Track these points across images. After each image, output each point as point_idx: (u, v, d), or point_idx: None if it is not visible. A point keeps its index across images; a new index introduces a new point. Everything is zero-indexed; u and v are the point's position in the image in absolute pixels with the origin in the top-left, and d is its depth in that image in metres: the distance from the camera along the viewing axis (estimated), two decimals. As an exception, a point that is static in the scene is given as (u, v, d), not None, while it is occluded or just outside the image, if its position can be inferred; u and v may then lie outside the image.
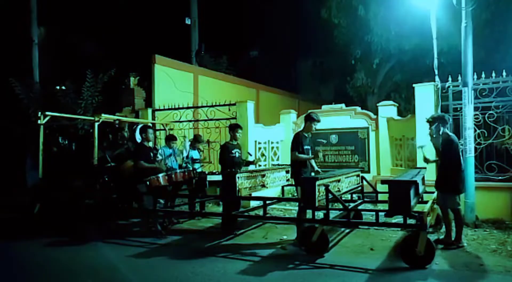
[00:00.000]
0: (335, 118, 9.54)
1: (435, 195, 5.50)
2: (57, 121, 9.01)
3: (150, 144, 6.99)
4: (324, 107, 9.91)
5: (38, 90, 12.39)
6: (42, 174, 7.76)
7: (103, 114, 7.74)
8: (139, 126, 7.93)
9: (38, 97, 11.95)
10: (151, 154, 6.69)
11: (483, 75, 6.83)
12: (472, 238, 5.68)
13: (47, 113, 7.85)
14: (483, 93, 6.84)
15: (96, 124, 7.51)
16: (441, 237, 5.45)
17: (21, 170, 11.62)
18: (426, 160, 5.50)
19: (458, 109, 6.92)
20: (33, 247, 5.89)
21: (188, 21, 15.99)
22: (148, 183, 6.34)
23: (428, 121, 5.36)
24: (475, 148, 6.61)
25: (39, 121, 7.76)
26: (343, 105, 9.83)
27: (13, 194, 10.17)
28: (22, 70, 13.27)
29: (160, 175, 6.50)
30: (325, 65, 16.33)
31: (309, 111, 6.28)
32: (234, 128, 6.78)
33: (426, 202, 5.49)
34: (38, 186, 7.75)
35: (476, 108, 6.71)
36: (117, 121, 8.52)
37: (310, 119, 5.99)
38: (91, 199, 7.26)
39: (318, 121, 6.01)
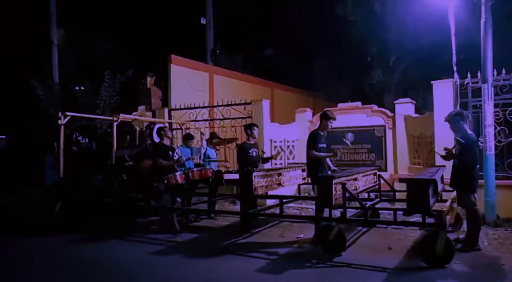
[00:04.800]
0: (351, 116, 9.47)
1: (454, 193, 5.41)
2: (76, 121, 9.19)
3: (167, 142, 7.08)
4: (340, 105, 9.84)
5: (58, 91, 12.67)
6: (63, 172, 7.93)
7: (121, 114, 7.86)
8: (156, 127, 8.04)
9: (58, 98, 12.21)
10: (170, 153, 6.79)
11: (503, 71, 6.68)
12: (493, 237, 5.58)
13: (67, 113, 8.02)
14: (504, 90, 6.69)
15: (115, 124, 7.64)
16: (461, 236, 5.37)
17: (41, 168, 11.91)
18: (449, 155, 5.12)
19: (478, 106, 6.79)
20: (55, 244, 6.04)
21: (203, 21, 16.09)
22: (165, 181, 6.44)
23: (446, 120, 5.25)
24: (496, 146, 6.48)
25: (59, 122, 7.93)
26: (359, 103, 9.75)
27: (34, 192, 10.43)
28: (43, 72, 13.59)
29: (177, 173, 6.59)
30: (340, 63, 16.23)
31: (325, 109, 6.25)
32: (250, 127, 6.82)
33: (445, 201, 5.41)
34: (59, 184, 7.93)
35: (496, 105, 6.57)
36: (140, 127, 8.65)
37: (325, 117, 5.97)
38: (111, 197, 7.39)
39: (334, 119, 5.98)
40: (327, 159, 6.11)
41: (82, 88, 11.89)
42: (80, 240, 6.21)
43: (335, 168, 6.23)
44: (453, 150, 5.12)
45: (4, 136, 16.35)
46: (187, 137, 7.85)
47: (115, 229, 6.80)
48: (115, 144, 7.53)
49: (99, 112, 10.92)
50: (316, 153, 5.78)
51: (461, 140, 4.91)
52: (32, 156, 11.95)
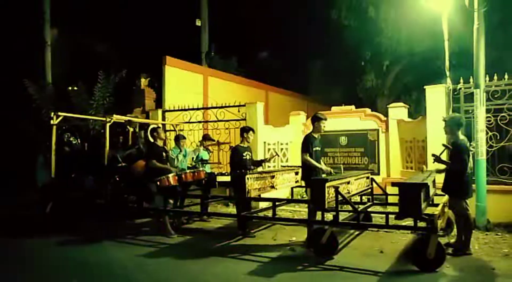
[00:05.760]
0: (344, 120, 9.52)
1: (446, 198, 5.45)
2: (69, 121, 9.12)
3: (161, 143, 7.04)
4: (333, 108, 9.89)
5: (51, 91, 12.54)
6: (55, 173, 7.85)
7: (114, 115, 7.82)
8: (150, 127, 8.00)
9: (51, 97, 12.10)
10: (163, 154, 6.75)
11: (495, 77, 6.76)
12: (484, 241, 5.62)
13: (60, 113, 7.94)
14: (495, 96, 6.76)
15: (108, 124, 7.59)
16: (452, 240, 5.41)
17: (33, 169, 11.73)
18: (438, 159, 5.21)
19: (470, 111, 6.85)
20: (45, 245, 5.98)
21: (198, 23, 16.08)
22: (158, 183, 6.40)
23: (444, 120, 5.33)
24: (487, 151, 6.54)
25: (51, 122, 7.86)
26: (353, 107, 9.80)
27: (25, 193, 10.31)
28: (35, 71, 13.46)
29: (170, 175, 6.55)
30: (334, 66, 16.31)
31: (316, 112, 6.28)
32: (247, 131, 6.75)
33: (437, 205, 5.44)
34: (50, 185, 7.85)
35: (488, 111, 6.64)
36: (132, 127, 8.60)
37: (317, 120, 6.00)
38: (102, 198, 7.34)
39: (325, 119, 6.01)
40: (321, 162, 6.12)
41: (75, 88, 11.78)
42: (71, 241, 6.16)
43: (330, 169, 6.14)
44: (440, 155, 5.17)
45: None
46: (179, 138, 7.80)
47: (106, 230, 6.74)
48: (108, 145, 7.49)
49: (92, 113, 10.82)
50: (310, 159, 5.78)
51: (448, 146, 4.95)
52: (23, 156, 11.81)
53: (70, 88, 11.99)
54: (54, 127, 7.91)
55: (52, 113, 7.94)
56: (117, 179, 7.31)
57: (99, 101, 11.28)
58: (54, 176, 7.82)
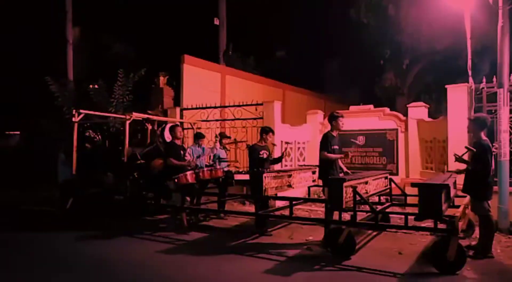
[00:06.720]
0: (363, 119, 9.42)
1: (467, 199, 5.34)
2: (90, 119, 9.28)
3: (179, 142, 7.11)
4: (352, 108, 9.79)
5: (72, 89, 12.81)
6: (75, 169, 8.00)
7: (134, 113, 7.93)
8: (168, 125, 8.08)
9: (72, 95, 12.35)
10: (181, 152, 6.82)
11: (520, 77, 6.58)
12: (506, 245, 5.48)
13: (81, 111, 8.09)
14: (520, 96, 6.59)
15: (127, 122, 7.70)
16: (473, 243, 5.30)
17: (54, 165, 11.98)
18: (460, 160, 5.13)
19: (493, 111, 6.69)
20: (65, 240, 6.10)
21: (216, 22, 16.14)
22: (176, 180, 6.47)
23: (469, 119, 5.24)
24: (510, 152, 6.37)
25: (73, 119, 8.02)
26: (371, 106, 9.70)
27: (46, 189, 10.55)
28: (57, 69, 13.76)
29: (188, 173, 6.62)
30: (352, 65, 16.16)
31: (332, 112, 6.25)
32: (267, 132, 6.77)
33: (458, 206, 5.34)
34: (71, 181, 8.02)
35: (511, 111, 6.47)
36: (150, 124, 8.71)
37: (334, 118, 5.97)
38: (121, 195, 7.45)
39: (342, 116, 5.98)
40: (340, 162, 6.08)
41: (96, 86, 12.00)
42: (90, 237, 6.27)
43: (347, 171, 6.19)
44: (463, 156, 5.07)
45: (17, 132, 16.63)
46: (198, 136, 7.87)
47: (125, 227, 6.85)
48: (127, 142, 7.60)
49: (112, 111, 11.00)
50: (328, 154, 5.77)
51: (472, 148, 4.85)
52: (45, 152, 12.09)
53: (91, 86, 12.20)
54: (76, 124, 8.07)
55: (74, 110, 8.10)
56: (136, 176, 7.41)
57: (119, 99, 11.45)
58: (75, 173, 7.98)
